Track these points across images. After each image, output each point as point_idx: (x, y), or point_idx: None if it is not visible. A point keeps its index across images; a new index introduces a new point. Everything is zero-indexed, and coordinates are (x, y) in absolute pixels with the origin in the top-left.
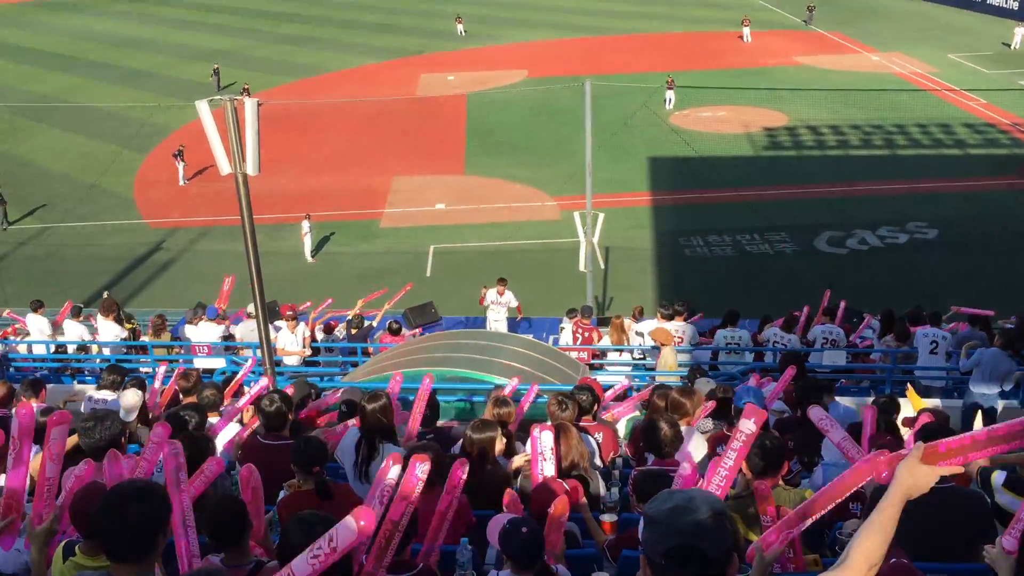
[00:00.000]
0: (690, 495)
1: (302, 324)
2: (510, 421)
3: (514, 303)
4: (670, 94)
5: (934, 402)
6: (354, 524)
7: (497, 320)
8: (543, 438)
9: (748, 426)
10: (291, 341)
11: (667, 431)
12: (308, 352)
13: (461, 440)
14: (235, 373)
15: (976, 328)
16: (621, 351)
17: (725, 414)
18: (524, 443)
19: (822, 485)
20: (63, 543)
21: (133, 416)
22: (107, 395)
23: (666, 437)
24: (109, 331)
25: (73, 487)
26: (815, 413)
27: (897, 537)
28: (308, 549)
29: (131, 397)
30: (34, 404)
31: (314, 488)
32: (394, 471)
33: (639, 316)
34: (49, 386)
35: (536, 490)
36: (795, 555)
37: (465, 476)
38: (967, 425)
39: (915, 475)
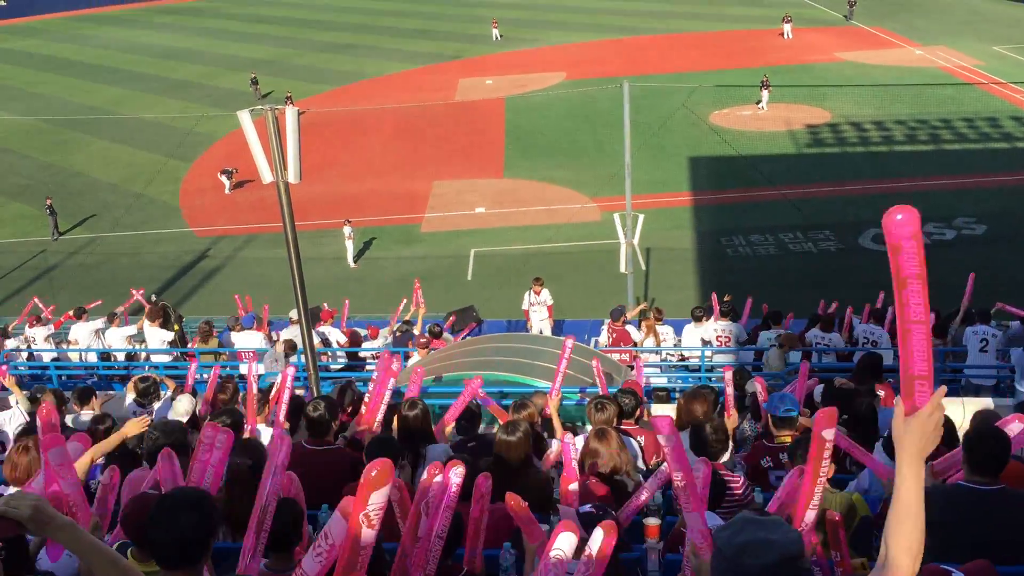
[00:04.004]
0: (765, 534)
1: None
2: (535, 421)
3: (549, 302)
4: (765, 94)
5: (985, 402)
6: (341, 517)
7: (542, 320)
8: (577, 443)
9: (829, 434)
10: None
11: (712, 434)
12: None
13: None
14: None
15: None
16: (658, 353)
17: (759, 414)
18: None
19: (868, 488)
20: (115, 547)
21: (185, 420)
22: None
23: (711, 439)
24: (155, 336)
25: (127, 494)
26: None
27: (950, 542)
28: (311, 547)
29: (184, 404)
30: (86, 411)
31: None
32: (438, 480)
33: (659, 316)
34: (100, 393)
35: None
36: (842, 559)
37: (490, 485)
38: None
39: (913, 430)
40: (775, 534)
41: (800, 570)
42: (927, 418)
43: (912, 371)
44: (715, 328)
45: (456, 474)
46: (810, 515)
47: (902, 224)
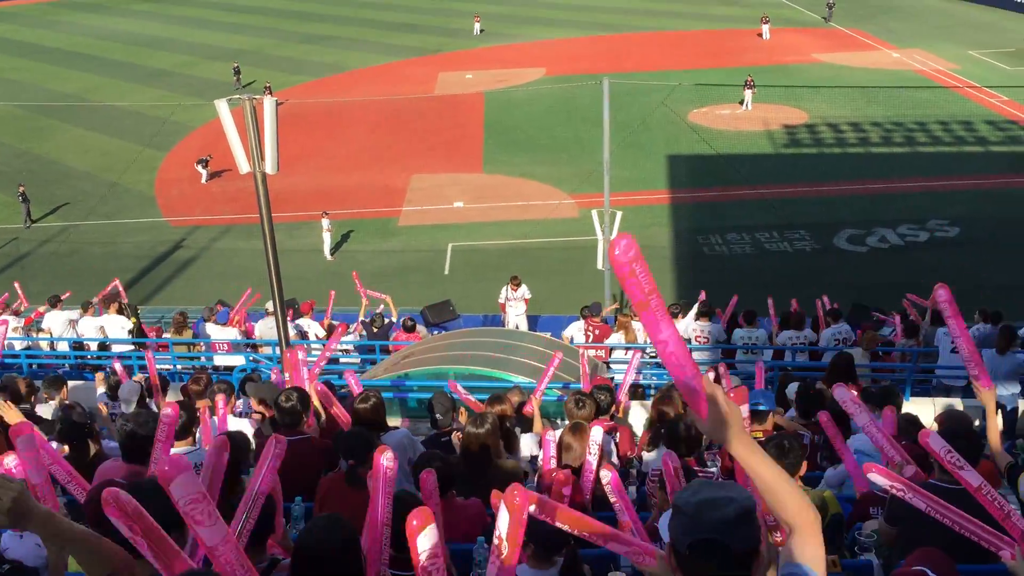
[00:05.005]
0: (721, 491)
1: None
2: (507, 416)
3: (527, 295)
4: (748, 94)
5: (954, 403)
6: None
7: (518, 315)
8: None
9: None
10: None
11: (686, 430)
12: None
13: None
14: (255, 371)
15: (996, 327)
16: (628, 349)
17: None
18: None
19: (839, 485)
20: None
21: (132, 406)
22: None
23: (684, 436)
24: (115, 324)
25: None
26: (840, 393)
27: (919, 539)
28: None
29: (125, 392)
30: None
31: (345, 476)
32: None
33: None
34: (71, 383)
35: (547, 483)
36: None
37: (435, 480)
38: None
39: (713, 423)
40: (731, 492)
41: (754, 522)
42: (715, 407)
43: (682, 379)
44: (694, 328)
45: (386, 459)
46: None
47: (625, 252)
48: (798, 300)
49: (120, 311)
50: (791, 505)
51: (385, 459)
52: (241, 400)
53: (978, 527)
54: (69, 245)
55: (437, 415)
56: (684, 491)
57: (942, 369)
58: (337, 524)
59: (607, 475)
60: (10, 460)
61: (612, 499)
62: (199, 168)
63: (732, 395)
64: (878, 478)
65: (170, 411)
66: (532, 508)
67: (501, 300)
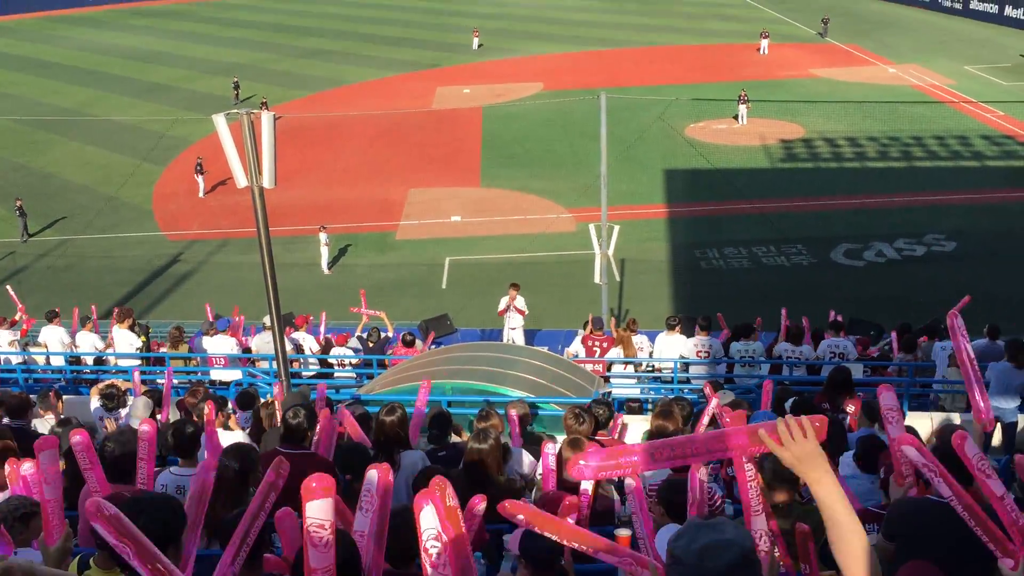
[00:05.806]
0: (720, 534)
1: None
2: (500, 431)
3: (524, 308)
4: (743, 108)
5: (951, 416)
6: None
7: (514, 328)
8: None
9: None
10: None
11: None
12: None
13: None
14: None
15: (995, 341)
16: (627, 364)
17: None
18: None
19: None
20: (78, 556)
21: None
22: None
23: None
24: (124, 339)
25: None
26: (886, 399)
27: (916, 553)
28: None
29: (139, 408)
30: (51, 415)
31: (343, 491)
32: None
33: (633, 327)
34: (67, 398)
35: (548, 501)
36: (811, 571)
37: (484, 507)
38: (987, 438)
39: (801, 465)
40: (729, 533)
41: (755, 563)
42: (792, 452)
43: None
44: (694, 343)
45: (383, 471)
46: (758, 521)
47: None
48: (795, 317)
49: (132, 327)
50: (856, 551)
51: (390, 475)
52: (239, 414)
53: (991, 527)
54: (66, 259)
55: (435, 430)
56: (680, 538)
57: (939, 384)
58: (339, 539)
59: (631, 483)
60: (27, 467)
61: (632, 508)
62: (198, 179)
63: (730, 417)
64: (912, 451)
65: (147, 428)
66: (521, 517)
67: (501, 307)
